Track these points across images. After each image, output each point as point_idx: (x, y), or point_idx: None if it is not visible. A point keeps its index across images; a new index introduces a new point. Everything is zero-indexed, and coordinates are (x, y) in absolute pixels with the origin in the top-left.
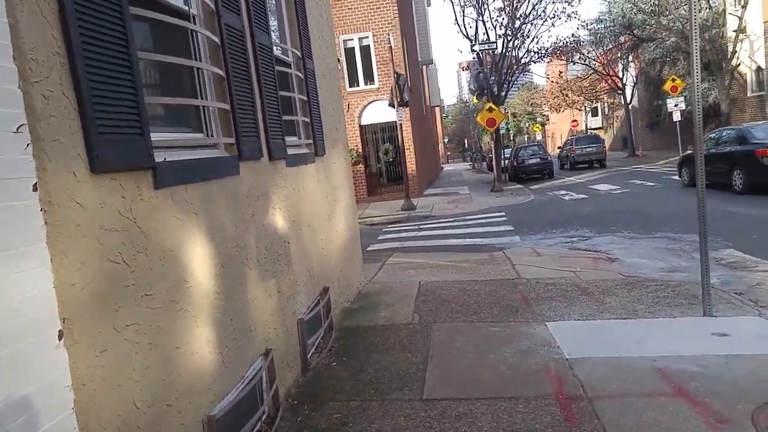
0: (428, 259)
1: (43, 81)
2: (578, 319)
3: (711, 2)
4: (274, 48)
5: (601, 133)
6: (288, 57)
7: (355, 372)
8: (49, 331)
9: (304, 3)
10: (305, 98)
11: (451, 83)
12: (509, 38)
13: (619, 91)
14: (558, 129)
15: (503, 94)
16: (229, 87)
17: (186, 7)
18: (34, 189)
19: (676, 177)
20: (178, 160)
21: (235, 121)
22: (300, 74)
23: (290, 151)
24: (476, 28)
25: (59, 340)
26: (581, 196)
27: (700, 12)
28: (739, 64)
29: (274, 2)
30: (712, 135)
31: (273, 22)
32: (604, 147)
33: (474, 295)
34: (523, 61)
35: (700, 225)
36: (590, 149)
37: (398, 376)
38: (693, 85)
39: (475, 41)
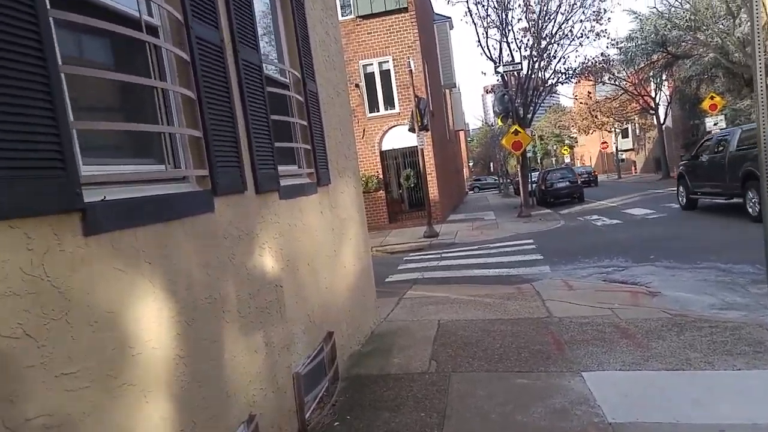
0: (450, 292)
1: None
2: (620, 369)
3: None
4: (265, 67)
5: (631, 155)
6: (285, 78)
7: None
8: None
9: (305, 19)
10: (306, 123)
11: (476, 106)
12: (535, 59)
13: (652, 111)
14: (587, 151)
15: (529, 116)
16: (201, 111)
17: (147, 17)
18: None
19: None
20: (125, 198)
21: (208, 151)
22: (300, 97)
23: (285, 182)
24: (500, 49)
25: None
26: (614, 221)
27: (740, 26)
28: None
29: (268, 17)
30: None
31: (268, 40)
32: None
33: (499, 337)
34: (549, 82)
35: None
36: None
37: None
38: (757, 98)
39: (500, 63)
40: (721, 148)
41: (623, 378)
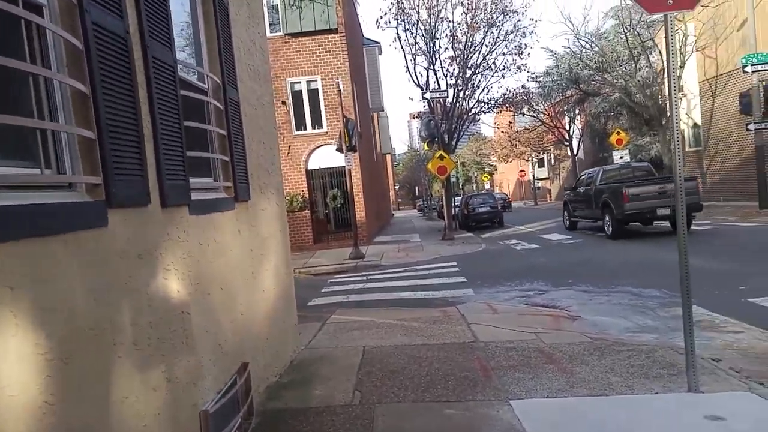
0: (376, 316)
1: None
2: (547, 396)
3: (651, 62)
4: (181, 68)
5: (547, 184)
6: (204, 84)
7: None
8: None
9: (229, 23)
10: (225, 133)
11: (402, 131)
12: (460, 87)
13: (566, 143)
14: (506, 178)
15: (453, 142)
16: (96, 108)
17: None
18: None
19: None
20: None
21: (103, 155)
22: (219, 105)
23: (196, 196)
24: (427, 76)
25: None
26: (533, 245)
27: (640, 71)
28: (679, 121)
29: (187, 15)
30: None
31: (186, 40)
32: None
33: (426, 363)
34: (473, 110)
35: (683, 287)
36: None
37: None
38: (672, 123)
39: (426, 89)
40: (590, 183)
41: (551, 405)
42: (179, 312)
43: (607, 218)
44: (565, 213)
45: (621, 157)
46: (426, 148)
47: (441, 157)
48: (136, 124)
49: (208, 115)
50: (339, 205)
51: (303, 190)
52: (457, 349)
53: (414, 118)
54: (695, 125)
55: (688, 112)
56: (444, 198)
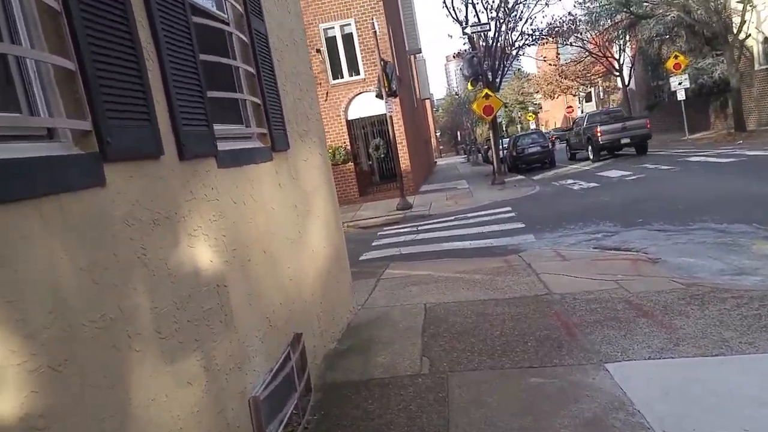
0: (432, 269)
1: None
2: (649, 358)
3: None
4: None
5: None
6: (223, 12)
7: None
8: None
9: None
10: (253, 71)
11: (439, 77)
12: (501, 20)
13: (616, 73)
14: (552, 116)
15: (498, 80)
16: (71, 28)
17: None
18: None
19: (693, 158)
20: None
21: (88, 91)
22: (244, 37)
23: (225, 145)
24: (466, 11)
25: None
26: (592, 184)
27: None
28: (748, 36)
29: None
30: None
31: None
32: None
33: (498, 322)
34: (517, 44)
35: None
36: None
37: None
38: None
39: (466, 24)
40: (580, 126)
41: (656, 370)
42: (214, 286)
43: (589, 148)
44: (567, 148)
45: (680, 83)
46: (470, 87)
47: (486, 96)
48: (135, 54)
49: (231, 48)
50: (382, 155)
51: (345, 142)
52: (529, 303)
53: (454, 57)
54: (766, 39)
55: (758, 25)
56: (492, 140)
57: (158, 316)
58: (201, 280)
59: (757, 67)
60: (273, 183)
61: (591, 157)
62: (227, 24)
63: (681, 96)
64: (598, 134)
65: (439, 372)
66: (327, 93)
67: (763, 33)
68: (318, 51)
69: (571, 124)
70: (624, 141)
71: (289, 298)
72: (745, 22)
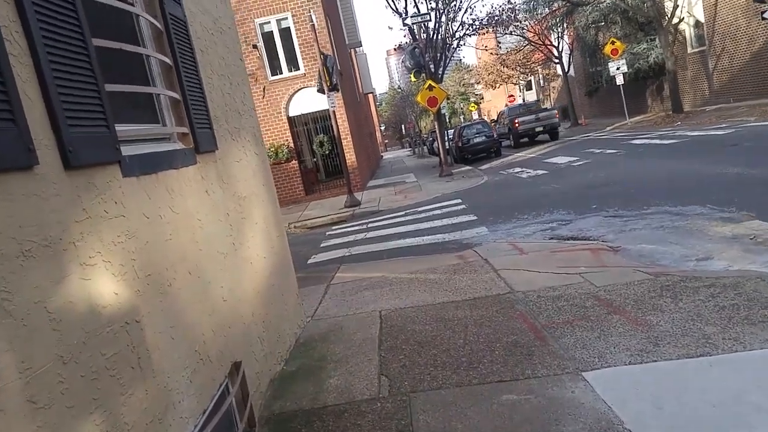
0: (385, 270)
1: None
2: (630, 363)
3: None
4: None
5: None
6: None
7: None
8: None
9: None
10: (170, 61)
11: (381, 72)
12: (441, 11)
13: (556, 60)
14: (494, 106)
15: (440, 72)
16: None
17: None
18: None
19: (636, 141)
20: None
21: None
22: (156, 23)
23: (133, 149)
24: (405, 2)
25: None
26: (540, 171)
27: None
28: (681, 20)
29: None
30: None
31: None
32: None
33: (460, 328)
34: (457, 34)
35: None
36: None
37: None
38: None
39: (406, 15)
40: (503, 118)
41: (640, 378)
42: (120, 324)
43: (510, 136)
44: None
45: (618, 68)
46: (413, 79)
47: (430, 88)
48: None
49: (140, 34)
50: (327, 152)
51: (287, 140)
52: (492, 304)
53: (395, 50)
54: (697, 23)
55: (689, 10)
56: (437, 132)
57: (31, 379)
58: (101, 320)
59: (690, 50)
60: (198, 190)
61: (512, 144)
62: (131, 4)
63: (620, 81)
64: (516, 125)
65: (400, 393)
66: (265, 89)
67: (694, 17)
68: (255, 47)
69: (497, 116)
70: (538, 129)
71: (224, 322)
72: (677, 6)
